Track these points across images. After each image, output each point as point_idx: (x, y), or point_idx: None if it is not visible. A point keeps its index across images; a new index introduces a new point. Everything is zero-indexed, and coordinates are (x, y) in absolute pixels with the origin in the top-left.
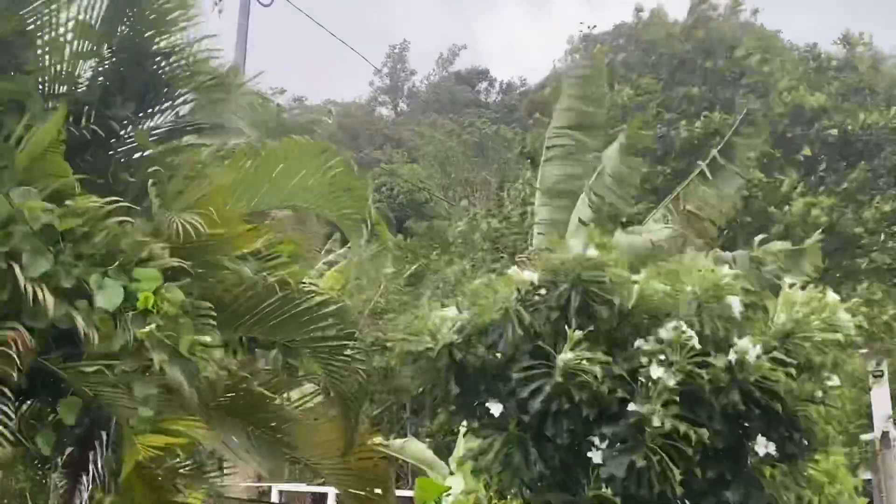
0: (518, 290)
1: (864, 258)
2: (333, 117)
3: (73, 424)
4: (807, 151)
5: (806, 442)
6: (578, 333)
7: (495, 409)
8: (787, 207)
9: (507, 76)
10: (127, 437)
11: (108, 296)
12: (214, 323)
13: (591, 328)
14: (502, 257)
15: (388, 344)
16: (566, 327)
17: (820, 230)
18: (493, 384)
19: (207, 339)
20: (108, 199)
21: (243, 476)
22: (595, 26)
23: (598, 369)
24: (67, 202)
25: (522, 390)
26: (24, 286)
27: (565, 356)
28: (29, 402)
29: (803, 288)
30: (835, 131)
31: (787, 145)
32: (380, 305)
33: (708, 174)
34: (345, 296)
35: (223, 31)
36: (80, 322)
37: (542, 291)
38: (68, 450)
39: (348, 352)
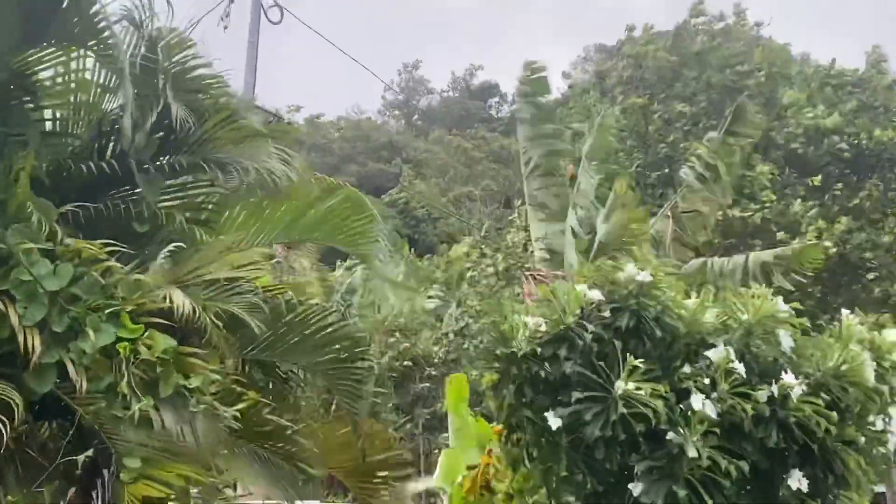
0: (582, 309)
1: (876, 286)
2: (343, 133)
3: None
4: (816, 181)
5: (838, 484)
6: (636, 361)
7: (554, 422)
8: (798, 238)
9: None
10: (118, 487)
11: (100, 337)
12: (206, 364)
13: (644, 353)
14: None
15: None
16: (618, 350)
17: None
18: (553, 396)
19: (193, 382)
20: (103, 241)
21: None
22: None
23: (660, 404)
24: (67, 241)
25: (585, 411)
26: (16, 332)
27: (624, 385)
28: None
29: (862, 324)
30: (847, 150)
31: (798, 164)
32: (398, 323)
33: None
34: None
35: (233, 48)
36: (70, 368)
37: (606, 313)
38: (71, 490)
39: (357, 369)
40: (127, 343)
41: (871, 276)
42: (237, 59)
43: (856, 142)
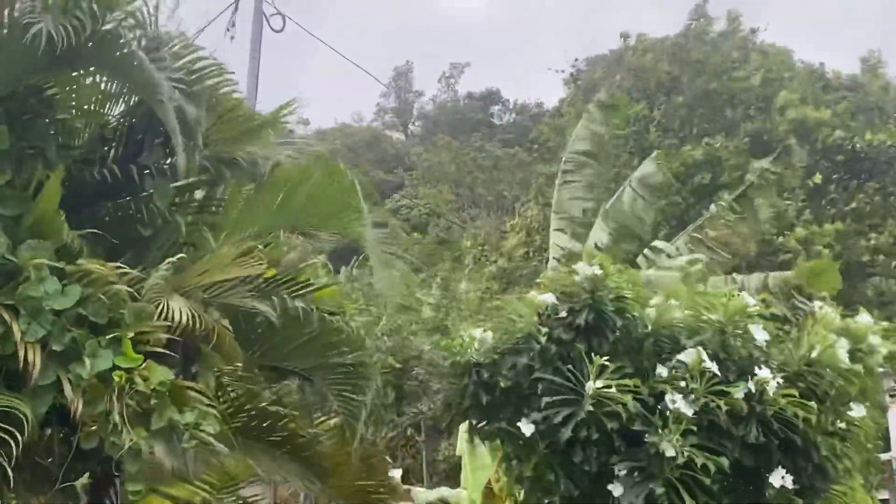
0: (538, 314)
1: (870, 286)
2: (344, 141)
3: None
4: (817, 178)
5: (823, 475)
6: (602, 359)
7: (527, 429)
8: (788, 234)
9: (522, 97)
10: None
11: (97, 363)
12: (202, 397)
13: (609, 350)
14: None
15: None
16: (582, 350)
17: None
18: (520, 403)
19: (187, 417)
20: (115, 265)
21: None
22: (577, 60)
23: (629, 399)
24: (79, 261)
25: (555, 415)
26: (18, 347)
27: (594, 384)
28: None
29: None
30: (842, 157)
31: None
32: (395, 323)
33: (734, 205)
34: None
35: (235, 56)
36: (67, 390)
37: (563, 315)
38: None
39: (359, 375)
40: (123, 372)
41: (868, 277)
42: (240, 68)
43: (850, 147)
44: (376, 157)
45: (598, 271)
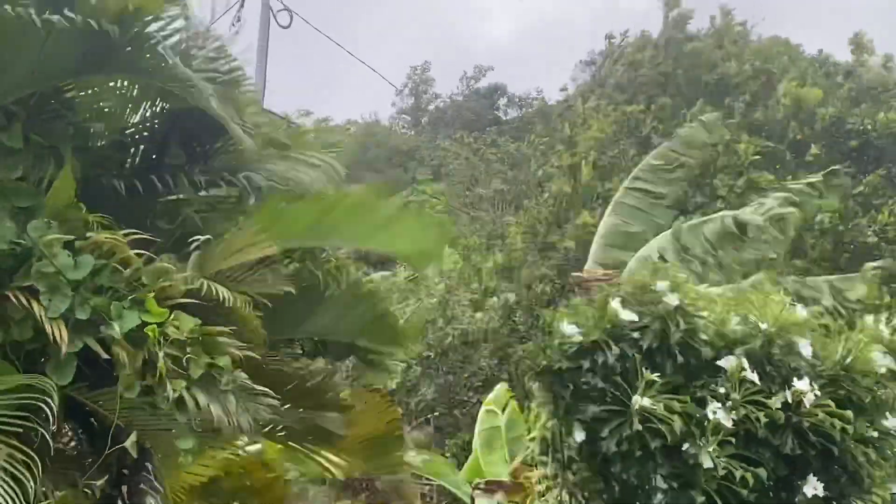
0: (612, 324)
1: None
2: (354, 137)
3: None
4: (815, 151)
5: (856, 484)
6: (653, 376)
7: (578, 435)
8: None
9: (521, 88)
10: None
11: (124, 323)
12: (234, 341)
13: (671, 368)
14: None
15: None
16: (637, 362)
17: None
18: (574, 409)
19: (221, 361)
20: (124, 231)
21: None
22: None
23: (676, 419)
24: (88, 234)
25: (602, 427)
26: (43, 325)
27: (641, 400)
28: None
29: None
30: (854, 142)
31: (797, 149)
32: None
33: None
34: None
35: (243, 52)
36: (101, 351)
37: (636, 334)
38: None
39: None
40: (154, 326)
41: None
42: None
43: (861, 128)
44: (388, 153)
45: (675, 302)
